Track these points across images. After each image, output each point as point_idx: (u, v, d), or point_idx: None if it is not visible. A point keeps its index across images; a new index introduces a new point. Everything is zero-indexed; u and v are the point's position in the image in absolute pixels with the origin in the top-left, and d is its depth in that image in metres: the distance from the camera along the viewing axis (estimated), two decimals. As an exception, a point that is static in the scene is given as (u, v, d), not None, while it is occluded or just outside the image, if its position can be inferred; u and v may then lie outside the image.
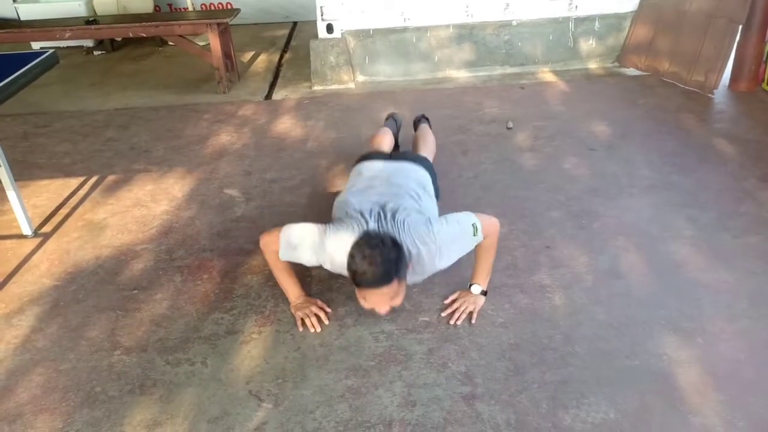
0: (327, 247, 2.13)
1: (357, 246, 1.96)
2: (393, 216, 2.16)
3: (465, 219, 2.18)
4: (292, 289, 2.35)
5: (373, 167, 2.56)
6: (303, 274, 2.42)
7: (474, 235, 2.17)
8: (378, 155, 2.71)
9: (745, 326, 2.18)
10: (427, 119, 3.46)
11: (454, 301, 2.33)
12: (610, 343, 2.13)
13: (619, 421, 1.84)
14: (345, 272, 2.17)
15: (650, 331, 2.17)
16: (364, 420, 1.89)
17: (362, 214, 2.18)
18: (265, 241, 2.27)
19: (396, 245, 1.97)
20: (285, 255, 2.22)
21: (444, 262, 2.17)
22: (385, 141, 3.06)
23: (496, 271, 2.40)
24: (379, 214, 2.17)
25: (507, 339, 2.18)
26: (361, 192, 2.36)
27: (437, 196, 2.60)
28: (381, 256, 1.92)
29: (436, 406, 1.93)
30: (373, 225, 2.13)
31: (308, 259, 2.19)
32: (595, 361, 2.06)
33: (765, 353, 2.06)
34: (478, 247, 2.25)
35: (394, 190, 2.35)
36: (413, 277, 2.16)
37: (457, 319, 2.25)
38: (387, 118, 3.43)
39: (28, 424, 1.93)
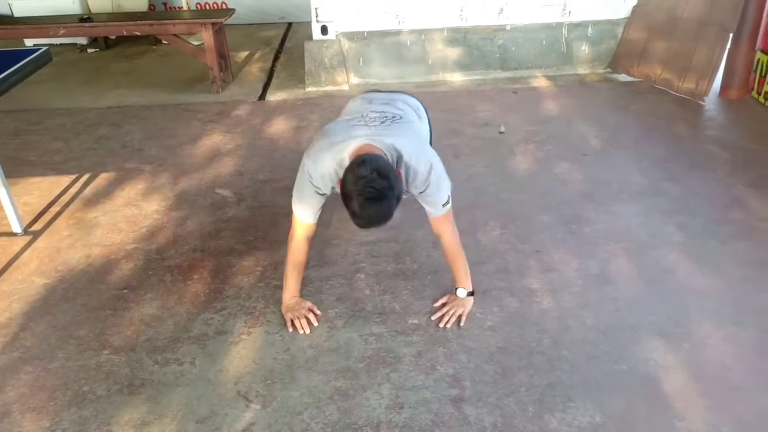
0: (313, 176, 2.06)
1: (349, 177, 1.85)
2: (393, 120, 2.12)
3: (446, 184, 2.13)
4: (292, 287, 2.34)
5: (367, 95, 2.49)
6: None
7: (444, 205, 2.13)
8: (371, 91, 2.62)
9: (732, 332, 2.20)
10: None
11: (443, 305, 2.34)
12: (598, 348, 2.14)
13: (605, 424, 1.86)
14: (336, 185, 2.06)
15: (638, 336, 2.19)
16: (352, 422, 1.90)
17: (362, 114, 2.15)
18: (291, 233, 2.24)
19: (389, 182, 1.84)
20: (307, 216, 2.16)
21: (419, 190, 2.09)
22: None
23: (486, 274, 2.41)
24: (378, 116, 2.13)
25: (495, 342, 2.19)
26: (358, 108, 2.31)
27: (430, 131, 2.53)
28: (377, 201, 1.83)
29: (423, 408, 1.93)
30: (369, 120, 2.08)
31: (317, 199, 2.12)
32: (582, 365, 2.08)
33: (751, 359, 2.08)
34: (445, 251, 2.27)
35: (393, 104, 2.31)
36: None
37: (447, 322, 2.26)
38: None
39: (16, 422, 1.92)
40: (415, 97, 2.57)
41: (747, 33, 4.12)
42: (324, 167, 2.05)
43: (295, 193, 2.17)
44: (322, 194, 2.12)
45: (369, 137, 2.00)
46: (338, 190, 1.97)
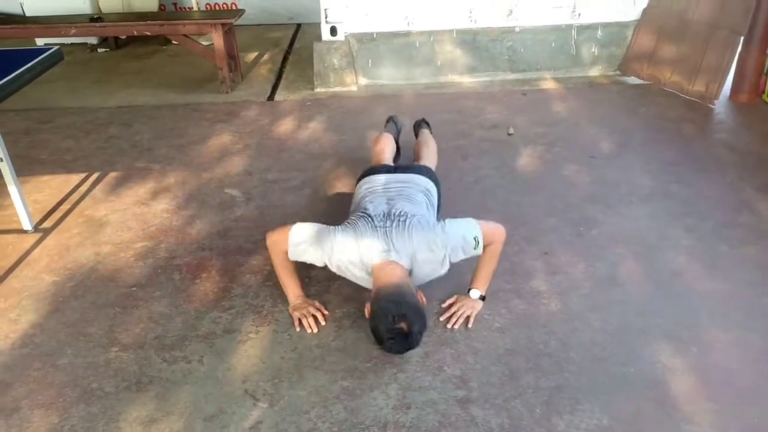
0: (334, 250, 2.18)
1: (379, 324, 2.02)
2: (400, 219, 2.21)
3: (469, 231, 2.21)
4: (292, 289, 2.36)
5: (377, 180, 2.59)
6: (301, 275, 2.42)
7: (474, 249, 2.22)
8: (381, 169, 2.74)
9: (740, 336, 2.19)
10: (428, 124, 3.48)
11: (451, 305, 2.34)
12: (606, 350, 2.14)
13: (612, 427, 1.85)
14: (349, 276, 2.22)
15: (646, 338, 2.18)
16: (359, 422, 1.90)
17: (369, 215, 2.25)
18: (273, 239, 2.30)
19: (412, 329, 2.01)
20: (294, 254, 2.26)
21: (445, 269, 2.23)
22: (387, 149, 3.06)
23: (494, 276, 2.40)
24: (385, 215, 2.23)
25: (503, 344, 2.18)
26: (367, 198, 2.43)
27: (439, 206, 2.63)
28: (404, 345, 2.05)
29: (430, 409, 1.93)
30: (380, 224, 2.19)
31: (315, 259, 2.24)
32: (590, 367, 2.07)
33: (759, 363, 2.07)
34: (482, 255, 2.28)
35: (401, 196, 2.42)
36: (413, 282, 2.19)
37: (454, 323, 2.27)
38: (387, 122, 3.44)
39: (25, 418, 1.94)
40: (425, 174, 2.67)
41: (758, 37, 4.09)
42: (343, 263, 2.20)
43: (302, 236, 2.23)
44: (320, 263, 2.25)
45: (390, 251, 2.14)
46: (366, 312, 2.14)
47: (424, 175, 2.65)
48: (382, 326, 2.00)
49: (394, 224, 2.19)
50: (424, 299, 2.17)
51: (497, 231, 2.28)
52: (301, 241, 2.23)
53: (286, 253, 2.26)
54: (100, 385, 2.06)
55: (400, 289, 2.05)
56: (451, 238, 2.18)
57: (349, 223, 2.27)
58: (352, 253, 2.17)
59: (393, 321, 1.98)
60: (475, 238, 2.20)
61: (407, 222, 2.19)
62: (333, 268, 2.25)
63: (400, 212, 2.26)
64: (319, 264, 2.26)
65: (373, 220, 2.22)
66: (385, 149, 3.04)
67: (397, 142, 3.27)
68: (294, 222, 2.29)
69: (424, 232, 2.17)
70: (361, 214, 2.29)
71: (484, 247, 2.25)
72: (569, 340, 2.19)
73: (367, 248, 2.15)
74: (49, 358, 2.18)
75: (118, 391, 2.03)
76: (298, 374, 2.08)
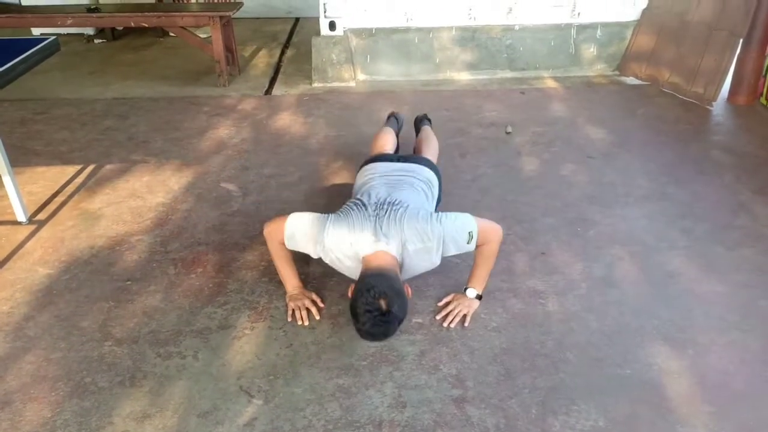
0: (326, 242, 2.17)
1: (359, 298, 1.99)
2: (394, 208, 2.20)
3: (463, 225, 2.19)
4: (290, 279, 2.36)
5: (379, 168, 2.59)
6: (298, 272, 2.41)
7: (468, 243, 2.20)
8: (385, 157, 2.74)
9: (736, 338, 2.19)
10: (429, 120, 3.47)
11: (448, 304, 2.34)
12: (602, 351, 2.14)
13: (608, 428, 1.85)
14: (343, 270, 2.21)
15: (642, 340, 2.18)
16: (354, 420, 1.89)
17: (364, 203, 2.25)
18: (270, 229, 2.30)
19: (393, 316, 2.00)
20: (290, 244, 2.26)
21: (436, 261, 2.20)
22: (388, 142, 3.06)
23: (491, 275, 2.40)
24: (379, 203, 2.23)
25: (499, 343, 2.18)
26: (368, 185, 2.43)
27: (439, 199, 2.62)
28: (380, 326, 2.02)
29: (426, 408, 1.93)
30: (372, 212, 2.18)
31: (310, 250, 2.24)
32: (586, 368, 2.07)
33: (755, 366, 2.08)
34: (478, 252, 2.27)
35: (402, 184, 2.42)
36: (404, 275, 2.18)
37: (451, 322, 2.26)
38: (388, 117, 3.43)
39: (17, 412, 1.92)
40: (427, 165, 2.66)
41: (757, 39, 4.09)
42: (336, 255, 2.20)
43: (297, 227, 2.23)
44: (315, 255, 2.24)
45: (379, 240, 2.11)
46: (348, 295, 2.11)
47: (426, 165, 2.65)
48: (361, 299, 1.97)
49: (387, 212, 2.18)
50: (410, 292, 2.15)
51: (493, 229, 2.27)
52: (297, 231, 2.22)
53: (283, 242, 2.26)
54: (94, 379, 2.05)
55: (387, 272, 2.05)
56: (445, 230, 2.16)
57: (342, 211, 2.25)
58: (343, 245, 2.16)
59: (373, 296, 1.96)
60: (469, 233, 2.18)
61: (400, 211, 2.18)
62: (327, 261, 2.25)
63: (396, 200, 2.25)
64: (314, 255, 2.25)
65: (367, 208, 2.21)
66: (386, 144, 3.04)
67: (397, 138, 3.26)
68: (290, 213, 2.28)
69: (415, 221, 2.15)
70: (356, 201, 2.29)
71: (480, 246, 2.23)
72: (565, 341, 2.18)
73: (358, 239, 2.14)
74: (42, 351, 2.16)
75: (112, 386, 2.02)
76: (294, 371, 2.07)
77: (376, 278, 2.01)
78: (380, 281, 2.00)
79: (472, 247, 2.21)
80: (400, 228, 2.14)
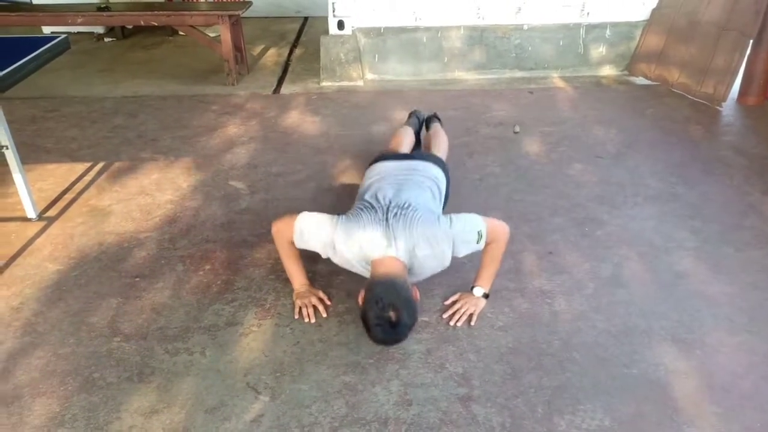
0: (336, 244, 2.17)
1: (369, 310, 1.99)
2: (403, 212, 2.19)
3: (472, 226, 2.20)
4: (297, 276, 2.37)
5: (386, 166, 2.59)
6: (305, 270, 2.41)
7: (477, 243, 2.20)
8: (392, 155, 2.74)
9: (744, 340, 2.18)
10: (439, 118, 3.48)
11: (454, 303, 2.34)
12: (609, 351, 2.13)
13: (614, 428, 1.85)
14: (350, 268, 2.22)
15: (649, 340, 2.18)
16: (360, 417, 1.90)
17: (373, 205, 2.24)
18: (278, 228, 2.31)
19: (401, 320, 1.99)
20: (300, 244, 2.26)
21: (446, 263, 2.20)
22: (404, 141, 3.07)
23: (498, 274, 2.40)
24: (389, 206, 2.22)
25: (506, 342, 2.18)
26: (376, 185, 2.42)
27: (447, 197, 2.62)
28: (391, 335, 2.02)
29: (432, 406, 1.93)
30: (383, 216, 2.17)
31: (319, 249, 2.24)
32: (592, 368, 2.06)
33: (763, 367, 2.07)
34: (486, 252, 2.27)
35: (409, 182, 2.41)
36: (413, 277, 2.18)
37: (457, 321, 2.26)
38: (410, 116, 3.45)
39: (26, 406, 1.94)
40: (434, 162, 2.66)
41: (767, 39, 4.07)
42: (345, 257, 2.19)
43: (306, 227, 2.23)
44: (324, 255, 2.24)
45: (390, 246, 2.11)
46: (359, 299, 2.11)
47: (433, 162, 2.65)
48: (371, 312, 1.98)
49: (397, 217, 2.17)
50: (418, 294, 2.15)
51: (501, 229, 2.27)
52: (306, 231, 2.23)
53: (292, 241, 2.27)
54: (102, 374, 2.06)
55: (395, 280, 2.04)
56: (455, 233, 2.17)
57: (352, 214, 2.25)
58: (353, 248, 2.16)
59: (382, 308, 1.96)
60: (479, 233, 2.19)
61: (411, 215, 2.18)
62: (335, 260, 2.25)
63: (405, 203, 2.24)
64: (323, 255, 2.26)
65: (377, 212, 2.21)
66: (402, 144, 3.05)
67: (417, 136, 3.27)
68: (299, 212, 2.28)
69: (426, 227, 2.15)
70: (366, 203, 2.28)
71: (488, 245, 2.24)
72: (572, 340, 2.18)
73: (368, 243, 2.14)
74: (51, 346, 2.18)
75: (120, 381, 2.03)
76: (300, 368, 2.08)
77: (385, 289, 2.01)
78: (388, 292, 1.99)
79: (481, 246, 2.22)
80: (411, 234, 2.13)
